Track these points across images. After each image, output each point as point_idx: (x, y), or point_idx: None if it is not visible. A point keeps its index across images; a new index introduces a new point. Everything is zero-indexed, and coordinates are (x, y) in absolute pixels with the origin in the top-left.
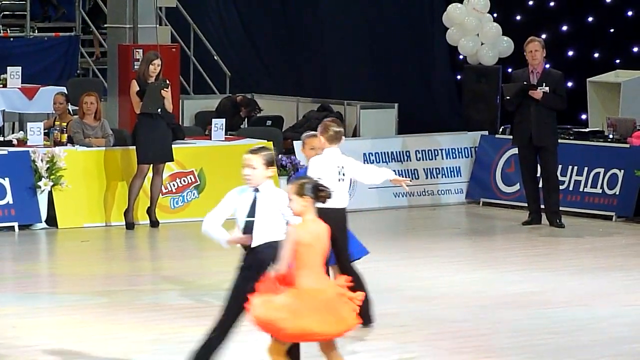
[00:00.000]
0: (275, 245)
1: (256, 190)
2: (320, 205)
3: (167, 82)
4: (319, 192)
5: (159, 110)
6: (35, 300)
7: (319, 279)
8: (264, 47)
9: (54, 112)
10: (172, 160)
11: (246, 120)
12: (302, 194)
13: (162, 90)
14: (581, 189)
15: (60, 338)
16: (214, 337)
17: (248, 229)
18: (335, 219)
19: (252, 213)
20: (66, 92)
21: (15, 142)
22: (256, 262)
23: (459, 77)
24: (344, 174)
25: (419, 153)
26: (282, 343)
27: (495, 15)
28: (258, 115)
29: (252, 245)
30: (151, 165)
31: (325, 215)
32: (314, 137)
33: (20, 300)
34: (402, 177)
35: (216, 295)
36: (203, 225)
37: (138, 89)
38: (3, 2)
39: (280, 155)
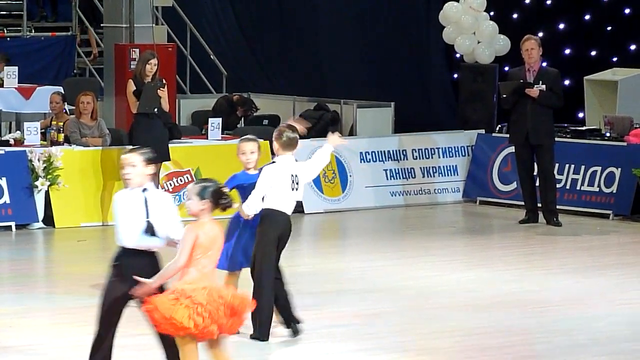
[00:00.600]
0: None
1: (144, 190)
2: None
3: (164, 81)
4: (220, 199)
5: (156, 109)
6: (32, 300)
7: (208, 280)
8: (261, 47)
9: (50, 111)
10: (169, 159)
11: (243, 119)
12: (203, 196)
13: (158, 90)
14: (578, 187)
15: (57, 338)
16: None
17: (150, 229)
18: (283, 222)
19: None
20: (63, 92)
21: (12, 141)
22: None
23: (455, 75)
24: (297, 183)
25: (415, 152)
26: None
27: (491, 13)
28: (255, 114)
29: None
30: None
31: (273, 216)
32: (246, 141)
33: (17, 300)
34: (398, 176)
35: None
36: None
37: (135, 88)
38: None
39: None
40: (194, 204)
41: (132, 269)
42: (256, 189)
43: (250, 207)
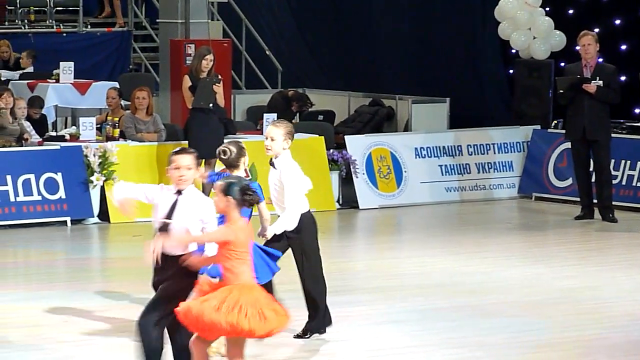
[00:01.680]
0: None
1: (180, 192)
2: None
3: (219, 77)
4: (244, 195)
5: (211, 105)
6: (87, 295)
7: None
8: (316, 42)
9: (106, 107)
10: None
11: (298, 115)
12: (227, 193)
13: (214, 85)
14: (634, 184)
15: (111, 333)
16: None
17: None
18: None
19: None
20: (119, 87)
21: (67, 137)
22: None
23: (510, 71)
24: None
25: (470, 147)
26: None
27: (547, 9)
28: (309, 110)
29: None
30: (203, 160)
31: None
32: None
33: (71, 295)
34: (454, 171)
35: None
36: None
37: (190, 84)
38: None
39: (331, 150)
40: (220, 201)
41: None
42: (295, 191)
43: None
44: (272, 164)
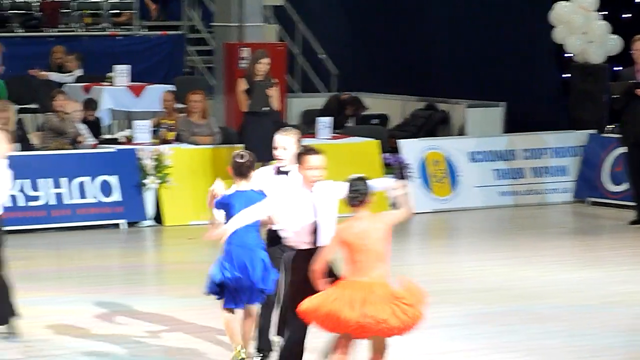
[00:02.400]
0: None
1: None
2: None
3: (274, 80)
4: (352, 195)
5: (265, 108)
6: (142, 297)
7: (365, 274)
8: (370, 46)
9: (162, 109)
10: None
11: (354, 118)
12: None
13: (268, 89)
14: None
15: (167, 336)
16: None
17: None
18: None
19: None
20: (174, 90)
21: (123, 139)
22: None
23: (564, 75)
24: None
25: (525, 152)
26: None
27: (603, 13)
28: (363, 113)
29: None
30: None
31: None
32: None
33: (126, 297)
34: (508, 176)
35: None
36: None
37: (245, 87)
38: (111, 1)
39: (385, 154)
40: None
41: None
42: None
43: None
44: (280, 172)
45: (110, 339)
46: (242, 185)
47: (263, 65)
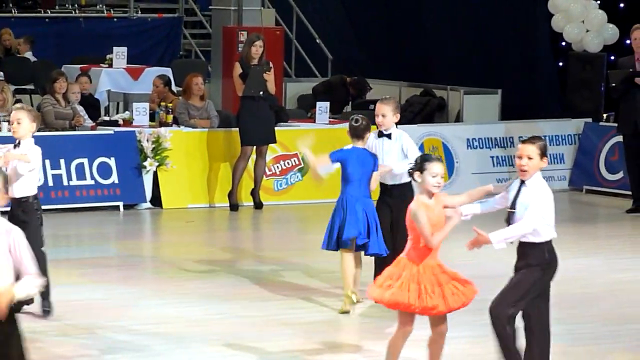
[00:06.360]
0: None
1: (522, 182)
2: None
3: (270, 64)
4: (416, 164)
5: (262, 92)
6: (139, 280)
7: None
8: (367, 31)
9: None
10: (274, 142)
11: (350, 102)
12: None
13: (264, 73)
14: None
15: (163, 322)
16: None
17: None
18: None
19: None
20: (167, 75)
21: (121, 122)
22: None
23: (561, 63)
24: None
25: (521, 139)
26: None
27: (600, 2)
28: (360, 100)
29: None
30: (254, 147)
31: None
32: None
33: (124, 279)
34: (505, 163)
35: (324, 277)
36: None
37: (241, 71)
38: None
39: None
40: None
41: None
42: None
43: None
44: (382, 135)
45: (107, 322)
46: (358, 144)
47: (257, 49)
